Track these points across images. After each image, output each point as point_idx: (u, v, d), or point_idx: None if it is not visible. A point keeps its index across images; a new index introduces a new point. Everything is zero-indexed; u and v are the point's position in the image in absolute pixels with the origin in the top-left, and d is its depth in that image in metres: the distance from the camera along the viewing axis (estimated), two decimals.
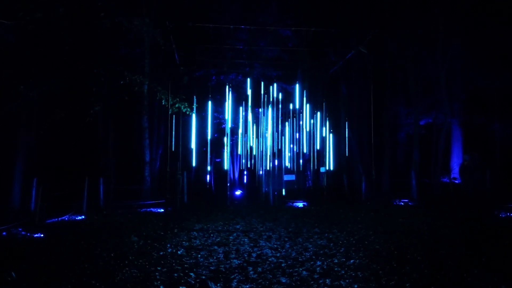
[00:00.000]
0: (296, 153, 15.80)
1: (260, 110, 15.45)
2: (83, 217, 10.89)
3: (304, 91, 14.69)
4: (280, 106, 14.96)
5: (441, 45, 16.26)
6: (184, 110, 12.39)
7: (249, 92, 13.84)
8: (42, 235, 8.14)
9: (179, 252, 6.83)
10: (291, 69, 17.78)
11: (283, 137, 15.65)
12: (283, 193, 15.10)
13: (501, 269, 5.59)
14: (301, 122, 14.72)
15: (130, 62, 15.37)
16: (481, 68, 17.19)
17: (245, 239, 8.04)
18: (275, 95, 14.46)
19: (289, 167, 15.74)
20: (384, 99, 18.00)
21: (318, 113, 14.72)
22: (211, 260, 6.35)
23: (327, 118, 15.01)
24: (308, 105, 14.51)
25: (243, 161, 16.23)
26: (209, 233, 8.70)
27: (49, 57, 10.90)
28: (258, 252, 6.88)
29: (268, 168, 14.82)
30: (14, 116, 12.38)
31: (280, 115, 15.22)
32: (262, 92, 14.52)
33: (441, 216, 10.60)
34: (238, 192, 17.75)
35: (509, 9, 15.30)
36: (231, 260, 6.32)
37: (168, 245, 7.33)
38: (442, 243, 7.34)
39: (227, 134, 14.35)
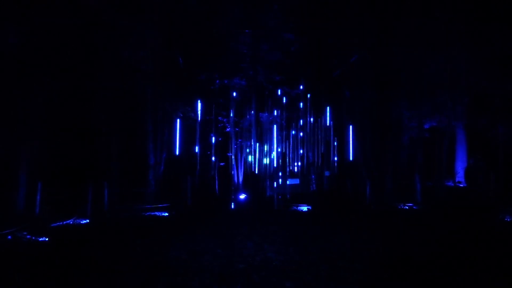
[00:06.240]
0: (300, 157, 15.79)
1: (264, 114, 15.47)
2: (88, 221, 10.93)
3: (308, 95, 14.71)
4: (283, 110, 14.98)
5: (444, 48, 16.22)
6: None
7: (252, 96, 13.89)
8: (46, 239, 8.18)
9: (183, 256, 6.83)
10: (295, 73, 17.78)
11: (287, 141, 15.66)
12: (287, 196, 15.08)
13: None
14: (304, 126, 14.73)
15: (133, 66, 15.40)
16: (484, 71, 17.12)
17: (249, 243, 8.02)
18: (278, 99, 14.51)
19: (294, 171, 15.73)
20: (388, 103, 17.96)
21: (322, 117, 14.73)
22: (215, 264, 6.34)
23: (331, 122, 15.00)
24: (311, 109, 14.53)
25: (247, 164, 16.23)
26: (213, 236, 8.69)
27: (53, 60, 10.97)
28: (262, 256, 6.86)
29: (272, 172, 14.82)
30: (19, 120, 12.43)
31: (283, 119, 15.23)
32: (265, 96, 14.56)
33: (446, 220, 10.55)
34: (242, 196, 17.73)
35: None
36: (235, 264, 6.31)
37: (172, 249, 7.33)
38: (446, 247, 7.31)
39: (231, 138, 14.37)
